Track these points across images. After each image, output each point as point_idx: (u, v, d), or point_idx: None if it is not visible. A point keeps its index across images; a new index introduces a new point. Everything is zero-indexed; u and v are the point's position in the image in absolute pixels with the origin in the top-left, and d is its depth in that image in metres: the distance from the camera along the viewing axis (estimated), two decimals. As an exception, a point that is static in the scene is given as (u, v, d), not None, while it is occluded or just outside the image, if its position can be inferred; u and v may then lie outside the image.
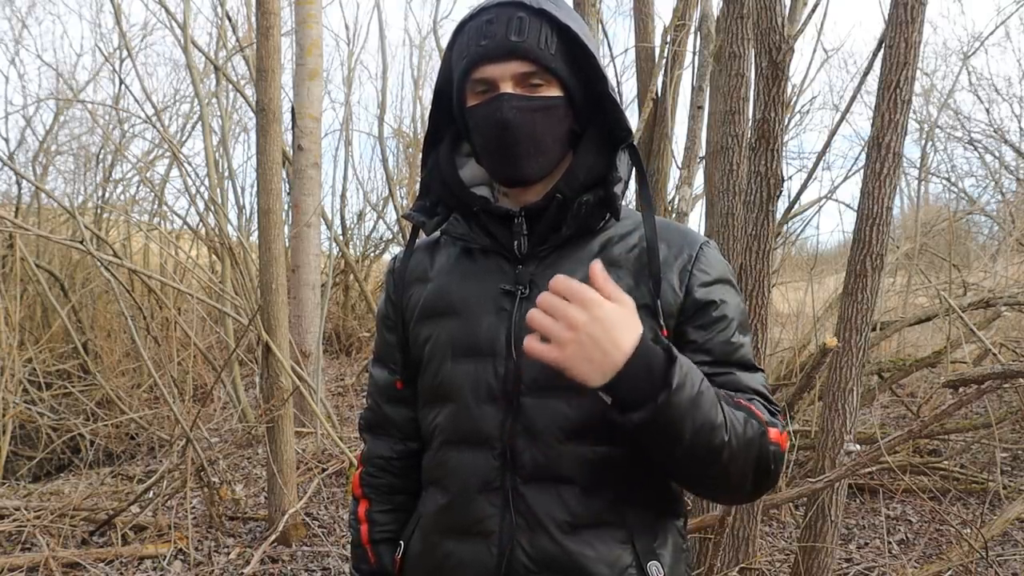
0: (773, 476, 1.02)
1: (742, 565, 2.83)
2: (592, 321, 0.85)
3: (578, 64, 1.05)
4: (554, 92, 1.04)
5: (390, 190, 8.55)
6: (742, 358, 1.07)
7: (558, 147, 1.07)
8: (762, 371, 1.11)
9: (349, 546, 1.29)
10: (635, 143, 1.11)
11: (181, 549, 3.56)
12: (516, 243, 1.08)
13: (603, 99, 1.08)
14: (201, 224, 7.50)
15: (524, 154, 1.04)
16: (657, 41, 5.01)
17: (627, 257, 1.08)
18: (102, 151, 8.54)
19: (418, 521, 1.16)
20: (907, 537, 4.01)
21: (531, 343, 0.88)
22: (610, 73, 1.13)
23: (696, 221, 9.48)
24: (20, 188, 7.67)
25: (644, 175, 1.13)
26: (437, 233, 1.18)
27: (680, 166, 4.64)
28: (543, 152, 1.05)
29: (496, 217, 1.10)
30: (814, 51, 17.22)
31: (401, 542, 1.19)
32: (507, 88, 1.02)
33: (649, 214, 1.09)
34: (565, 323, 0.86)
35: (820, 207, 7.69)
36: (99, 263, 3.99)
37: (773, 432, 1.01)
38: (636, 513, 1.06)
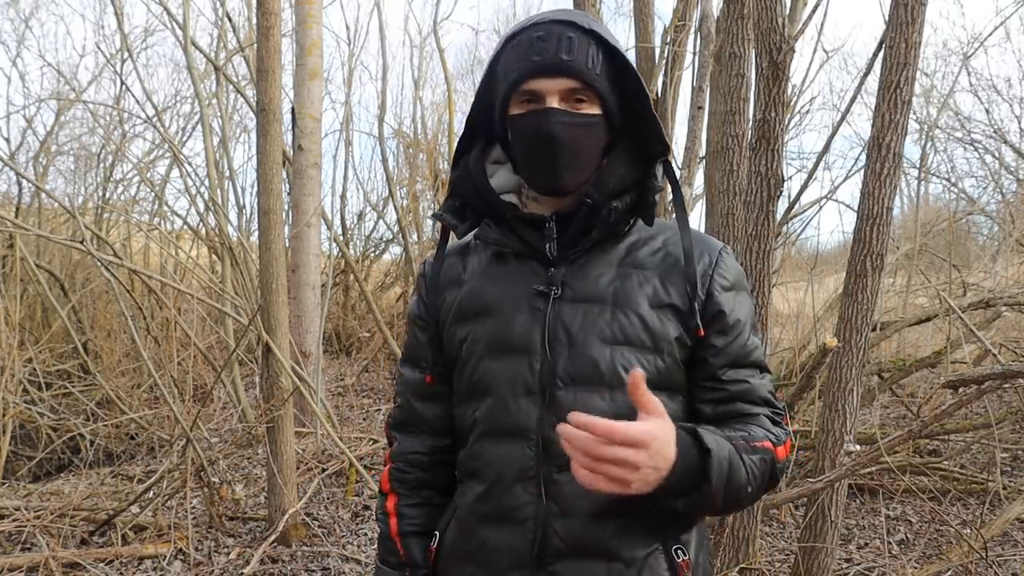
0: (776, 483, 1.15)
1: (742, 565, 2.83)
2: (651, 456, 0.91)
3: (620, 83, 1.13)
4: (595, 110, 1.11)
5: (390, 190, 8.54)
6: (757, 360, 1.17)
7: (594, 161, 1.14)
8: (770, 372, 1.21)
9: (377, 539, 1.32)
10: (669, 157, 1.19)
11: (181, 549, 3.56)
12: (547, 246, 1.14)
13: (641, 116, 1.15)
14: (201, 224, 7.51)
15: (565, 166, 1.10)
16: (657, 41, 5.01)
17: (652, 259, 1.15)
18: (103, 151, 8.54)
19: (454, 512, 1.21)
20: (907, 537, 4.01)
21: (592, 482, 0.90)
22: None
23: (696, 221, 9.48)
24: (20, 188, 7.68)
25: (679, 189, 1.20)
26: (468, 237, 1.24)
27: (680, 166, 4.64)
28: (581, 166, 1.12)
29: (527, 222, 1.16)
30: (814, 51, 17.24)
31: (436, 533, 1.23)
32: (553, 103, 1.08)
33: (685, 224, 1.16)
34: (629, 467, 0.90)
35: (820, 207, 7.70)
36: (99, 263, 3.99)
37: (780, 450, 1.13)
38: None
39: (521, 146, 1.13)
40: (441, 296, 1.22)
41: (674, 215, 1.19)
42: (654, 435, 0.91)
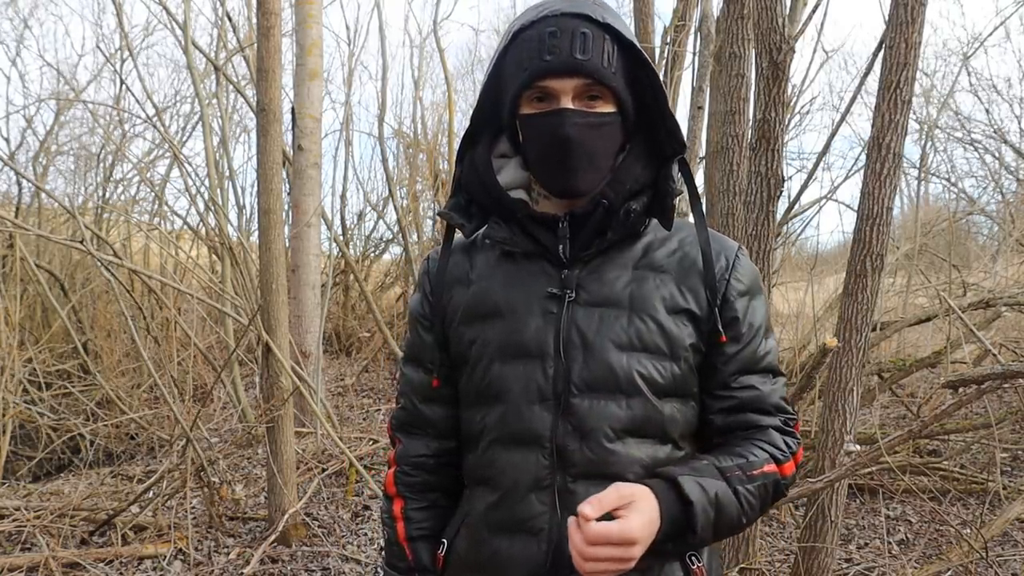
0: (782, 497, 1.13)
1: (742, 565, 2.83)
2: (641, 544, 0.95)
3: (635, 78, 1.08)
4: (610, 108, 1.06)
5: (390, 190, 8.54)
6: (768, 365, 1.14)
7: (609, 161, 1.10)
8: (783, 375, 1.17)
9: (383, 543, 1.30)
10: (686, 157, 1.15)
11: (181, 549, 3.56)
12: (561, 247, 1.10)
13: (657, 112, 1.11)
14: (201, 224, 7.50)
15: (580, 168, 1.06)
16: (657, 41, 5.01)
17: (669, 262, 1.11)
18: (103, 151, 8.54)
19: (463, 519, 1.18)
20: (907, 537, 4.00)
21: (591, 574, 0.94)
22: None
23: (696, 221, 9.43)
24: (20, 188, 7.67)
25: (695, 188, 1.16)
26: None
27: (680, 166, 4.63)
28: (597, 167, 1.08)
29: (539, 221, 1.12)
30: (814, 51, 17.23)
31: (444, 540, 1.20)
32: (567, 102, 1.04)
33: (703, 226, 1.13)
34: (625, 561, 0.94)
35: (820, 207, 7.70)
36: (99, 263, 3.99)
37: (787, 466, 1.11)
38: None
39: (534, 147, 1.08)
40: (447, 294, 1.18)
41: (690, 215, 1.16)
42: (643, 523, 0.94)
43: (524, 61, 1.04)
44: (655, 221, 1.13)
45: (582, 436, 1.06)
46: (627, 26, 1.08)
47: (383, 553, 1.29)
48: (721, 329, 1.09)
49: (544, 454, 1.07)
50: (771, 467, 1.08)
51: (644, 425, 1.07)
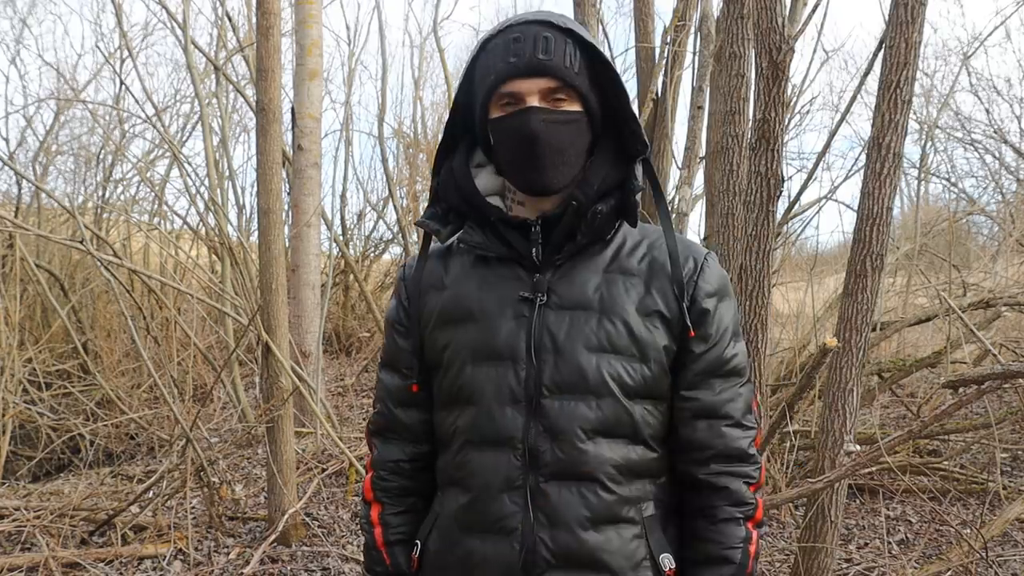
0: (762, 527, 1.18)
1: (742, 565, 2.83)
2: None
3: (599, 80, 1.11)
4: (575, 107, 1.09)
5: (390, 190, 8.54)
6: (735, 367, 1.16)
7: (580, 159, 1.12)
8: (750, 382, 1.18)
9: (362, 548, 1.31)
10: (649, 156, 1.17)
11: (181, 549, 3.56)
12: (533, 251, 1.12)
13: (620, 113, 1.13)
14: (201, 224, 7.50)
15: (550, 164, 1.08)
16: (657, 41, 5.01)
17: (639, 267, 1.14)
18: (102, 151, 8.54)
19: (435, 520, 1.19)
20: (907, 537, 4.00)
21: None
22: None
23: (696, 221, 9.48)
24: (20, 188, 7.67)
25: (660, 188, 1.19)
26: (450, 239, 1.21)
27: (680, 166, 4.63)
28: (567, 163, 1.10)
29: (512, 226, 1.14)
30: (814, 51, 17.29)
31: (418, 542, 1.21)
32: (533, 102, 1.07)
33: (668, 226, 1.15)
34: None
35: (820, 207, 7.69)
36: (99, 263, 3.98)
37: (756, 515, 1.14)
38: (651, 509, 1.12)
39: (504, 148, 1.11)
40: (422, 300, 1.20)
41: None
42: None
43: (490, 67, 1.08)
44: (626, 226, 1.16)
45: (553, 437, 1.08)
46: (589, 33, 1.12)
47: (363, 558, 1.30)
48: (689, 324, 1.11)
49: (516, 455, 1.09)
50: (753, 533, 1.13)
51: (615, 426, 1.09)
